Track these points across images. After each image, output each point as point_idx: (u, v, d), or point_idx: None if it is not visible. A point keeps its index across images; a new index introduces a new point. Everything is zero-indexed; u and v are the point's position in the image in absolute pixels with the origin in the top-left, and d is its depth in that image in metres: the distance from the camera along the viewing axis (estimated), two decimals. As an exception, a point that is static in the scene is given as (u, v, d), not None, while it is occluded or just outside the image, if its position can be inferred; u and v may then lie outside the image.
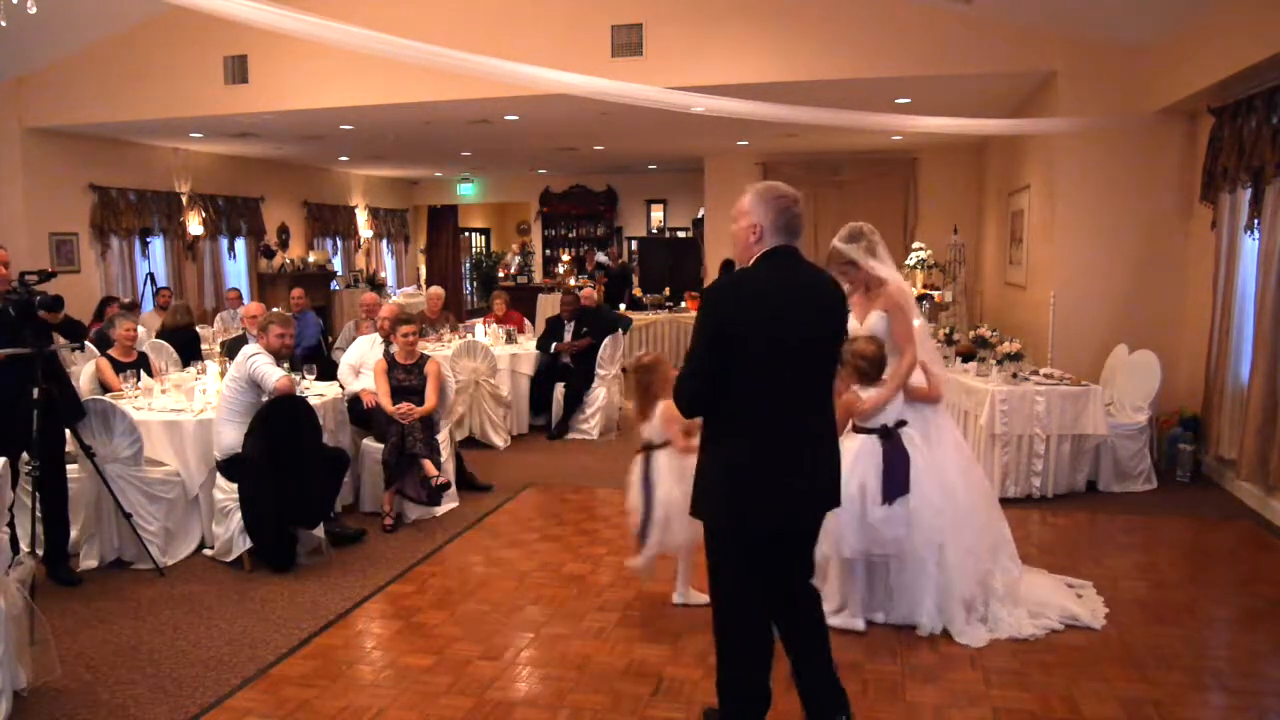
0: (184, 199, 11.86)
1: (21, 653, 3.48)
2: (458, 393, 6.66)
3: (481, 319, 9.69)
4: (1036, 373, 6.40)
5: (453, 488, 6.03)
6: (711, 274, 13.87)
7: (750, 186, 2.87)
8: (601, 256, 15.18)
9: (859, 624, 4.04)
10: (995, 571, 4.13)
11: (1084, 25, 7.01)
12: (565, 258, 17.99)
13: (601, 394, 8.31)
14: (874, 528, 3.88)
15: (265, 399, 4.98)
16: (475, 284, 20.43)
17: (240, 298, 10.44)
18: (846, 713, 3.04)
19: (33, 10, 5.01)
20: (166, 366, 6.96)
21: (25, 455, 4.52)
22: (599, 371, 8.33)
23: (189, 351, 7.67)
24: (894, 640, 3.98)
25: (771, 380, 2.73)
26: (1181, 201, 7.15)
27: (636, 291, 13.82)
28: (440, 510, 5.89)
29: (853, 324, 4.34)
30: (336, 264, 15.49)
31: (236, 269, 13.13)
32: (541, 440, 8.22)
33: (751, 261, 2.82)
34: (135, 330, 6.38)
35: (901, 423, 3.99)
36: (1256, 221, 5.83)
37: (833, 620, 4.04)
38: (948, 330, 7.11)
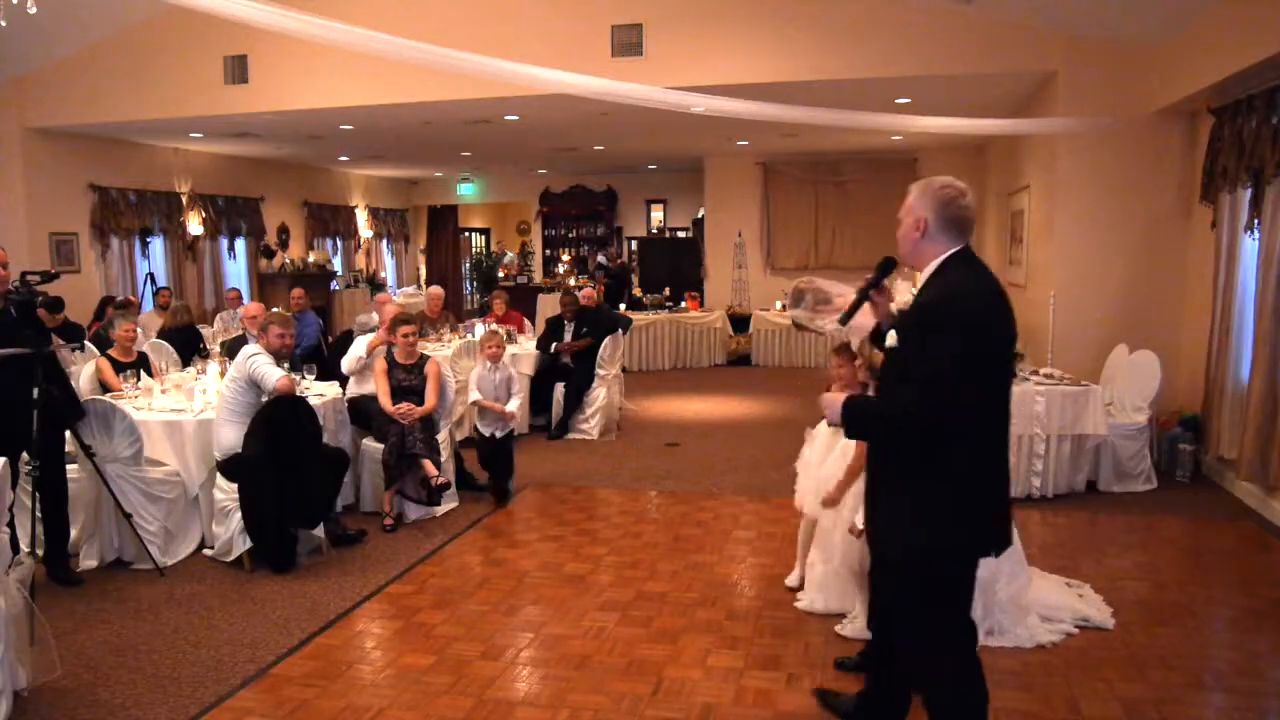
0: (184, 199, 11.86)
1: (21, 653, 3.48)
2: (457, 393, 6.65)
3: (481, 319, 9.69)
4: (1036, 373, 6.40)
5: (453, 488, 6.03)
6: (713, 274, 13.92)
7: (914, 184, 2.70)
8: (600, 257, 15.23)
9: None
10: (999, 578, 4.08)
11: (1084, 25, 7.01)
12: (565, 258, 17.99)
13: (601, 394, 8.30)
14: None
15: (265, 399, 4.98)
16: (475, 284, 20.44)
17: (240, 298, 10.45)
18: None
19: (33, 10, 5.01)
20: (167, 366, 6.95)
21: (25, 455, 4.52)
22: (599, 371, 8.33)
23: (190, 351, 7.67)
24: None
25: (1005, 393, 2.64)
26: (1181, 201, 7.15)
27: (636, 291, 13.82)
28: (440, 510, 5.89)
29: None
30: (336, 264, 15.48)
31: (236, 269, 13.12)
32: (541, 440, 8.22)
33: (928, 264, 2.62)
34: (135, 330, 6.38)
35: None
36: (1256, 221, 5.83)
37: (844, 630, 4.06)
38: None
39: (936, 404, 2.45)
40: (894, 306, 2.71)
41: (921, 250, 2.63)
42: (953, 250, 2.60)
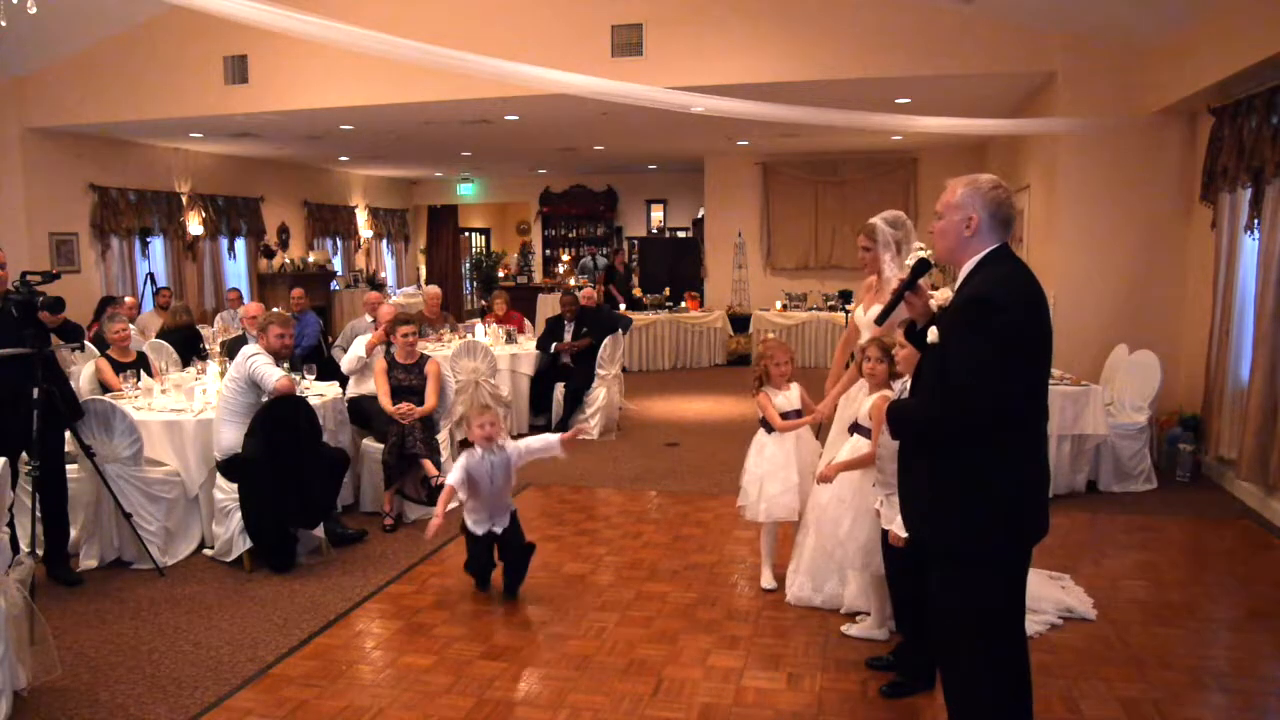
0: (184, 199, 11.87)
1: (21, 653, 3.48)
2: (457, 393, 6.65)
3: (481, 319, 9.68)
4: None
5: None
6: (713, 274, 13.91)
7: (956, 180, 2.68)
8: (584, 260, 15.38)
9: (882, 634, 3.99)
10: None
11: (1084, 25, 7.01)
12: (565, 258, 18.00)
13: (601, 394, 8.30)
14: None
15: (265, 399, 4.98)
16: (475, 284, 20.44)
17: (240, 298, 10.44)
18: None
19: (33, 10, 5.02)
20: (166, 366, 6.95)
21: (25, 455, 4.52)
22: (599, 371, 8.33)
23: (189, 352, 7.67)
24: (895, 640, 3.97)
25: (1044, 391, 2.64)
26: (1181, 201, 7.15)
27: (636, 291, 13.82)
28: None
29: (858, 312, 4.30)
30: (336, 264, 15.49)
31: (236, 269, 13.13)
32: (541, 440, 8.21)
33: (968, 261, 2.62)
34: (128, 330, 6.37)
35: None
36: (1256, 221, 5.83)
37: (851, 630, 4.06)
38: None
39: (976, 402, 2.46)
40: (934, 303, 2.70)
41: (966, 247, 2.63)
42: (992, 248, 2.61)
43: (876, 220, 4.17)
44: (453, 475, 4.44)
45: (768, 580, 4.63)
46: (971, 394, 2.47)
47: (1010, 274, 2.57)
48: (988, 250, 2.60)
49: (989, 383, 2.45)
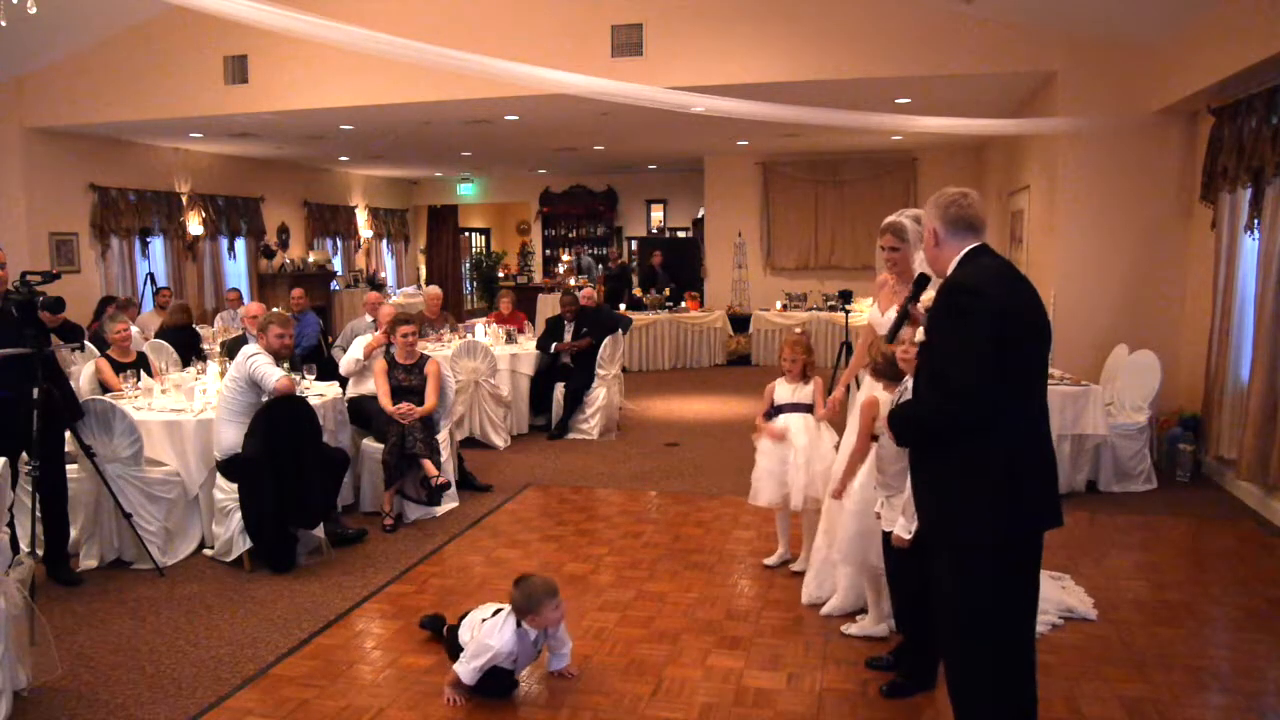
0: (184, 199, 11.87)
1: (21, 653, 3.48)
2: (458, 393, 6.65)
3: (483, 319, 9.69)
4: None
5: (453, 488, 6.03)
6: (713, 274, 13.92)
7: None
8: (584, 259, 15.37)
9: (881, 630, 3.99)
10: None
11: (1084, 25, 7.01)
12: (565, 258, 18.01)
13: (601, 394, 8.30)
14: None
15: (265, 399, 4.98)
16: (475, 284, 20.44)
17: (240, 298, 10.45)
18: None
19: (33, 10, 5.02)
20: (166, 366, 6.95)
21: (25, 455, 4.52)
22: (599, 371, 8.33)
23: (187, 351, 7.67)
24: (894, 639, 3.97)
25: (1032, 375, 2.64)
26: (1181, 201, 7.15)
27: (636, 292, 13.83)
28: (440, 510, 5.89)
29: (873, 312, 4.26)
30: (336, 264, 15.49)
31: (236, 269, 13.13)
32: (541, 440, 8.22)
33: (949, 266, 2.68)
34: (129, 329, 6.37)
35: None
36: (1256, 222, 5.83)
37: (851, 629, 4.06)
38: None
39: (967, 391, 2.49)
40: (920, 307, 2.78)
41: (940, 257, 2.73)
42: (970, 247, 2.68)
43: (903, 219, 3.92)
44: (475, 663, 3.42)
45: (770, 558, 4.87)
46: (955, 380, 2.51)
47: (983, 265, 2.64)
48: (965, 250, 2.68)
49: (969, 366, 2.49)
